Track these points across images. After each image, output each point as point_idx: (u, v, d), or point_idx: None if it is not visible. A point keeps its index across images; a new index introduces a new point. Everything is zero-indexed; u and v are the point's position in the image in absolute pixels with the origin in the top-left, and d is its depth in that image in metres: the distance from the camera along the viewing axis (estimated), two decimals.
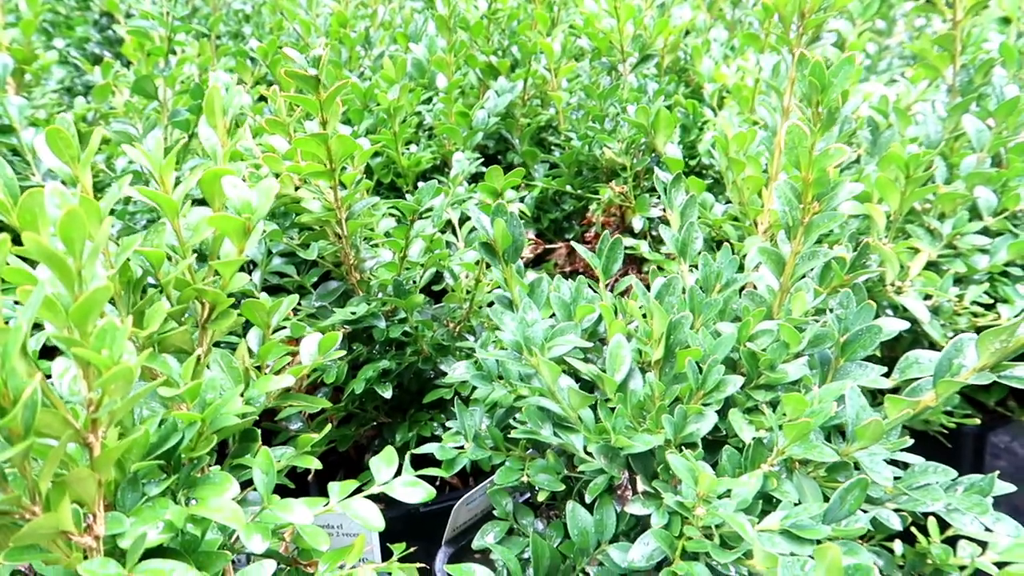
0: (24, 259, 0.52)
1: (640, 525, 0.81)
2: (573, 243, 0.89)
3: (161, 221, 0.63)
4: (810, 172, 0.81)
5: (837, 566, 0.48)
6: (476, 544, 0.85)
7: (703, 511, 0.65)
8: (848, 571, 0.51)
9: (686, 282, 0.91)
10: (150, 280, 0.64)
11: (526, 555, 0.84)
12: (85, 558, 0.48)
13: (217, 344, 0.71)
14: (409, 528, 1.20)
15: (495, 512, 0.87)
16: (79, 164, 0.55)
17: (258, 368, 0.72)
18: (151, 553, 0.51)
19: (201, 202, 0.75)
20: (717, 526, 0.66)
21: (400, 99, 1.26)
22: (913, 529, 0.83)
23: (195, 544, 0.56)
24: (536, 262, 1.52)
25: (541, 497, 0.82)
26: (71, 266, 0.41)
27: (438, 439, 0.90)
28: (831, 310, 0.85)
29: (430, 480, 0.75)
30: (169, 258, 0.66)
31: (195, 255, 0.64)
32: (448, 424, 0.90)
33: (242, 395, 0.65)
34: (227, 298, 0.63)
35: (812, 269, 0.87)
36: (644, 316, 0.81)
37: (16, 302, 0.46)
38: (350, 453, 1.27)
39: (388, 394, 1.04)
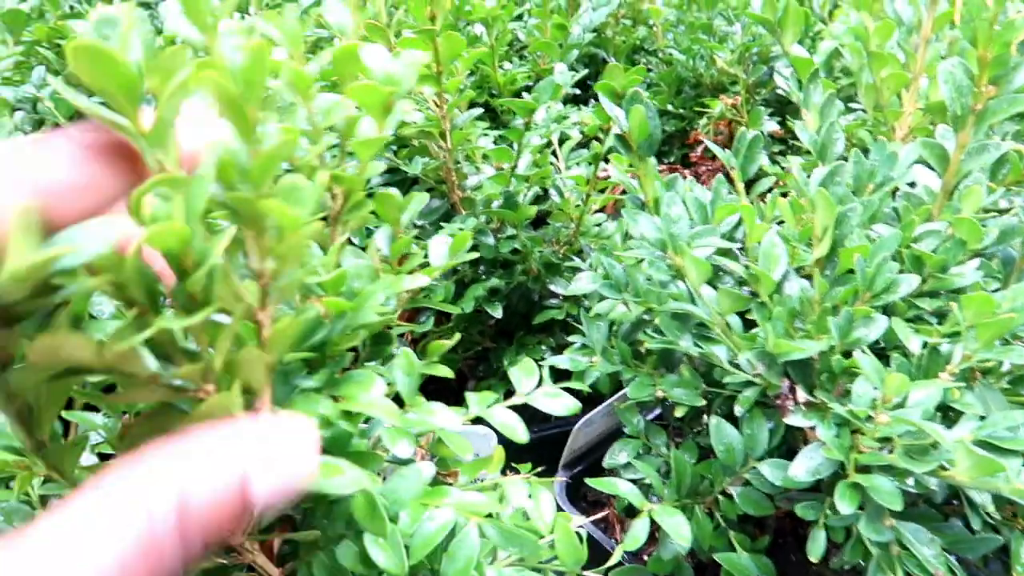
0: None
1: (786, 445, 0.75)
2: (702, 137, 0.81)
3: (291, 102, 0.57)
4: (989, 49, 0.71)
5: None
6: (607, 463, 0.80)
7: (887, 418, 0.58)
8: None
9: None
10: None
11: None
12: None
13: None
14: (515, 455, 1.16)
15: (626, 430, 0.82)
16: (213, 32, 0.50)
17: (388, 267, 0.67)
18: None
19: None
20: (899, 436, 0.60)
21: (496, 9, 1.19)
22: None
23: (346, 443, 0.52)
24: None
25: (679, 413, 0.76)
26: (250, 116, 0.36)
27: None
28: (1001, 212, 0.76)
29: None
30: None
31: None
32: (570, 339, 0.85)
33: None
34: (364, 185, 0.58)
35: (981, 165, 0.78)
36: (794, 214, 0.73)
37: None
38: (452, 382, 1.24)
39: (499, 313, 1.00)
